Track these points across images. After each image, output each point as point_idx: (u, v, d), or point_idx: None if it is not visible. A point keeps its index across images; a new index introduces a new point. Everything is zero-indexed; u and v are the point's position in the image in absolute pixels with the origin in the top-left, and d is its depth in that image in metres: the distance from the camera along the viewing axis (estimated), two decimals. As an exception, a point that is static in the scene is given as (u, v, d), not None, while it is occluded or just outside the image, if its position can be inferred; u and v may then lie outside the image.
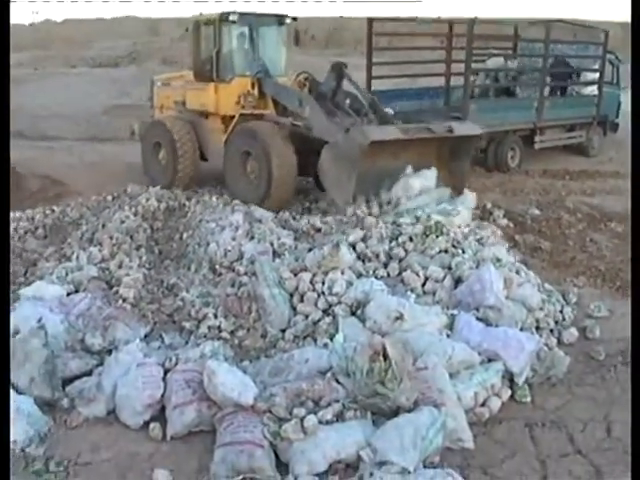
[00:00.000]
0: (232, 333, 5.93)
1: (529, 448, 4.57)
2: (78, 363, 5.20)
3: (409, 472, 3.96)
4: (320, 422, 4.34)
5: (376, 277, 6.26)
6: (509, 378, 5.20)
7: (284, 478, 4.12)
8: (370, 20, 13.41)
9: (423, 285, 6.21)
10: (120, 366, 4.96)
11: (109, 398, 4.79)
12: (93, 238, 8.02)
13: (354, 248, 6.63)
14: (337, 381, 4.74)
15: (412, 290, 6.10)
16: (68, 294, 6.33)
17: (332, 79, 10.14)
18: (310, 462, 4.13)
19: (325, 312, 5.85)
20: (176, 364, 5.01)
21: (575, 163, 14.48)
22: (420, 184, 8.74)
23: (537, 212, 9.94)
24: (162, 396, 4.73)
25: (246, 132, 9.87)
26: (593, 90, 15.25)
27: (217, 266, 7.17)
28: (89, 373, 5.15)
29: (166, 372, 4.91)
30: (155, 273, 7.30)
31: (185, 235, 8.22)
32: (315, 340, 5.57)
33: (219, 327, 5.97)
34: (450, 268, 6.32)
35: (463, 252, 6.58)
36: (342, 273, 6.13)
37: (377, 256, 6.56)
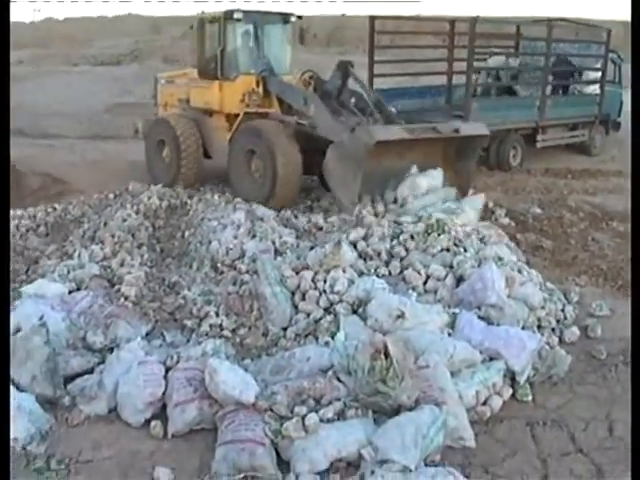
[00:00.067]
0: (234, 331, 5.92)
1: (530, 447, 4.56)
2: (80, 361, 5.20)
3: (410, 470, 3.95)
4: (321, 420, 4.34)
5: (377, 275, 6.25)
6: (510, 377, 5.20)
7: (285, 476, 4.12)
8: (372, 18, 13.41)
9: (425, 283, 6.20)
10: (121, 364, 4.96)
11: (110, 396, 4.79)
12: (95, 236, 8.03)
13: (355, 246, 6.63)
14: (338, 379, 4.74)
15: (413, 288, 6.09)
16: (70, 292, 6.32)
17: (337, 78, 10.13)
18: (311, 460, 4.13)
19: (326, 310, 5.85)
20: (177, 362, 5.02)
21: (577, 162, 14.48)
22: (427, 183, 8.74)
23: (539, 211, 9.93)
24: (163, 394, 4.73)
25: (251, 130, 9.86)
26: (595, 89, 15.25)
27: (219, 264, 7.18)
28: (91, 371, 5.14)
29: (167, 370, 4.91)
30: (157, 271, 7.30)
31: (187, 233, 8.23)
32: (316, 338, 5.56)
33: (221, 325, 5.97)
34: (452, 267, 6.31)
35: (465, 250, 6.57)
36: (344, 271, 6.13)
37: (379, 254, 6.55)
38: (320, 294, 5.98)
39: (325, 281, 6.03)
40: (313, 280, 6.10)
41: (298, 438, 4.23)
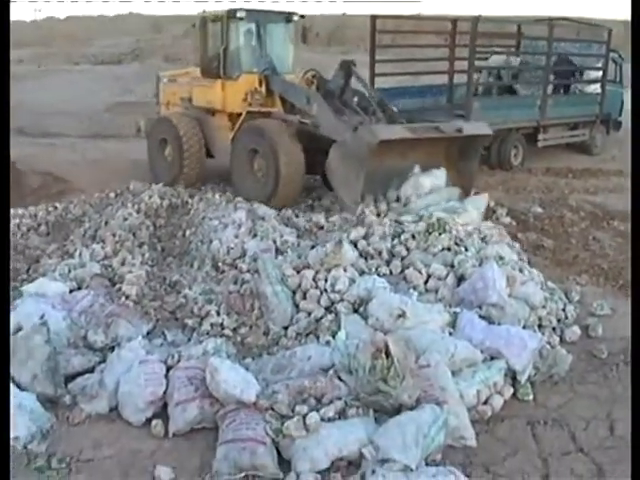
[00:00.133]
0: (234, 330, 5.92)
1: (531, 446, 4.56)
2: (80, 360, 5.20)
3: (411, 470, 3.95)
4: (322, 419, 4.34)
5: (379, 274, 6.25)
6: (511, 376, 5.20)
7: (286, 475, 4.12)
8: (373, 17, 13.39)
9: (426, 283, 6.20)
10: (122, 363, 4.96)
11: (111, 395, 4.79)
12: (96, 235, 8.04)
13: (355, 246, 6.63)
14: (339, 378, 4.74)
15: (414, 288, 6.09)
16: (71, 291, 6.32)
17: (340, 77, 10.10)
18: (312, 459, 4.13)
19: (327, 309, 5.85)
20: (178, 361, 5.02)
21: (578, 161, 14.47)
22: (430, 183, 8.72)
23: (540, 210, 9.93)
24: (164, 393, 4.73)
25: (253, 130, 9.84)
26: (596, 88, 15.25)
27: (220, 263, 7.18)
28: (91, 370, 5.14)
29: (168, 369, 4.91)
30: (158, 270, 7.30)
31: (188, 232, 8.23)
32: (317, 337, 5.56)
33: (222, 324, 5.97)
34: (453, 266, 6.32)
35: (466, 250, 6.57)
36: (345, 270, 6.12)
37: (380, 253, 6.56)
38: (321, 293, 5.98)
39: (326, 280, 6.03)
40: (314, 279, 6.09)
41: (299, 437, 4.23)
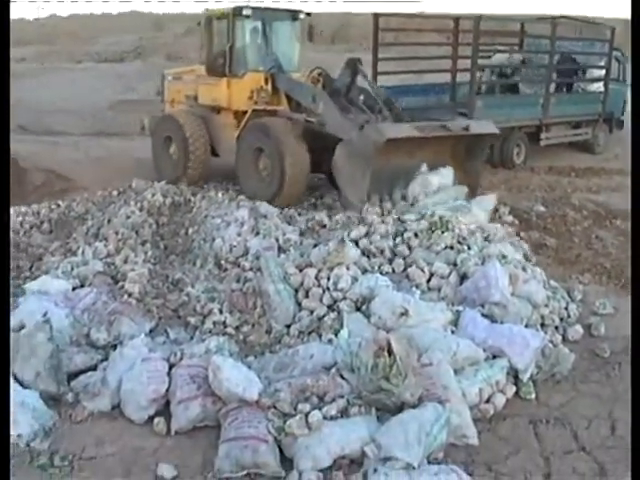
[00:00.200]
0: (237, 328, 5.93)
1: (533, 445, 4.56)
2: (83, 358, 5.21)
3: (413, 468, 3.96)
4: (324, 418, 4.34)
5: (381, 273, 6.25)
6: (514, 375, 5.19)
7: (288, 473, 4.12)
8: (376, 15, 13.36)
9: (428, 281, 6.20)
10: (125, 361, 4.96)
11: (114, 393, 4.80)
12: (99, 233, 8.05)
13: (356, 244, 6.62)
14: (342, 377, 4.74)
15: (417, 286, 6.09)
16: (73, 289, 6.33)
17: (346, 75, 10.04)
18: (314, 458, 4.14)
19: (330, 308, 5.85)
20: (181, 359, 5.02)
21: (581, 160, 14.44)
22: (438, 181, 8.68)
23: (542, 209, 9.91)
24: (167, 391, 4.73)
25: (259, 128, 9.80)
26: (599, 87, 15.21)
27: (222, 261, 7.19)
28: (94, 368, 5.15)
29: (171, 367, 4.91)
30: (160, 268, 7.30)
31: (190, 230, 8.24)
32: (320, 336, 5.56)
33: (224, 322, 5.98)
34: (455, 264, 6.31)
35: (469, 248, 6.56)
36: (347, 269, 6.12)
37: (382, 252, 6.55)
38: (324, 291, 5.97)
39: (329, 278, 6.03)
40: (317, 277, 6.09)
41: (301, 435, 4.23)
